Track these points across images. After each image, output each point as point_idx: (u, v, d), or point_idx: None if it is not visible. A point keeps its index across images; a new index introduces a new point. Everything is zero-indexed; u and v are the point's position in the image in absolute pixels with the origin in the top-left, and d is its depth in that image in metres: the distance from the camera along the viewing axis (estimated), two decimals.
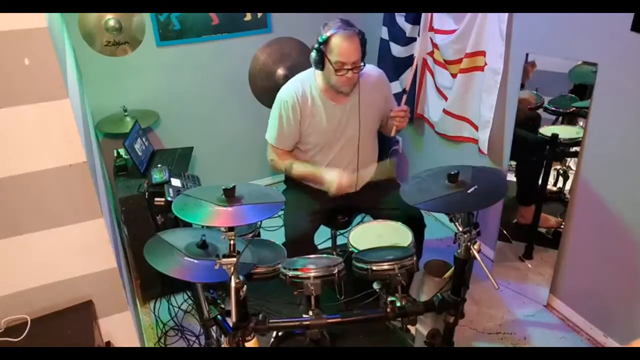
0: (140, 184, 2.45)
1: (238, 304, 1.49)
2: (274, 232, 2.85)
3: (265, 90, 2.89)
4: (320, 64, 2.05)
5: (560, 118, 2.30)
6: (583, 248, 2.29)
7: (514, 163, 2.53)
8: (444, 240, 2.97)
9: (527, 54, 2.29)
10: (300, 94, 2.16)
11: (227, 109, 3.45)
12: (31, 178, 1.48)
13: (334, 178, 2.13)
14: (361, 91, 2.16)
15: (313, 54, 2.05)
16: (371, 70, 2.25)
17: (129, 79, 3.09)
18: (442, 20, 2.72)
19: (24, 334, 1.52)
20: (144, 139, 2.80)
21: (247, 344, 1.58)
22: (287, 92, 2.18)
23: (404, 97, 2.29)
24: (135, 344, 1.90)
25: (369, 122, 2.26)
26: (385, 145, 2.50)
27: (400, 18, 3.02)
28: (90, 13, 2.61)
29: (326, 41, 2.00)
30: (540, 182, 2.40)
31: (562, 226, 2.36)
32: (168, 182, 2.00)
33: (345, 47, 1.98)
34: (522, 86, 2.35)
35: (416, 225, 2.15)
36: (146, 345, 2.32)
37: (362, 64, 2.06)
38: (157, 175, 2.03)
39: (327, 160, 2.26)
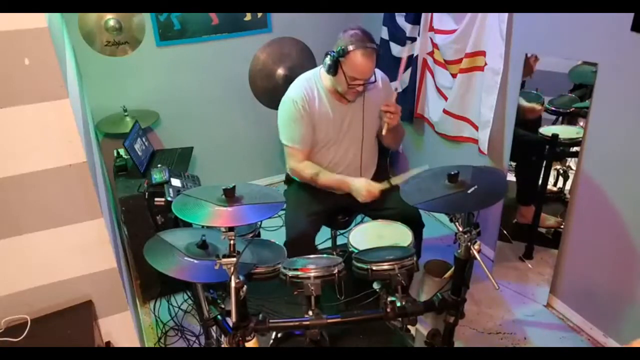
0: (140, 184, 2.45)
1: (238, 304, 1.48)
2: (274, 232, 2.85)
3: (265, 90, 2.89)
4: (334, 70, 2.05)
5: (560, 118, 2.30)
6: (583, 248, 2.29)
7: (514, 163, 2.53)
8: (444, 239, 2.97)
9: (526, 54, 2.29)
10: (307, 89, 2.17)
11: (227, 109, 3.45)
12: (31, 178, 1.48)
13: (362, 186, 2.12)
14: (366, 93, 2.17)
15: (328, 60, 2.04)
16: (378, 73, 2.25)
17: (129, 79, 3.09)
18: (442, 20, 2.72)
19: (24, 334, 1.52)
20: (144, 139, 2.80)
21: (247, 344, 1.58)
22: (295, 91, 2.18)
23: (394, 95, 2.27)
24: (135, 344, 1.90)
25: (372, 123, 2.27)
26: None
27: (400, 18, 3.02)
28: (90, 13, 2.61)
29: (345, 53, 1.99)
30: (540, 182, 2.41)
31: (562, 226, 2.36)
32: (168, 182, 2.01)
33: (364, 65, 2.00)
34: (523, 85, 2.35)
35: (414, 225, 2.15)
36: (146, 345, 2.32)
37: (374, 79, 2.08)
38: (157, 175, 2.03)
39: (329, 159, 2.26)
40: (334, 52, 2.02)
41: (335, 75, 2.06)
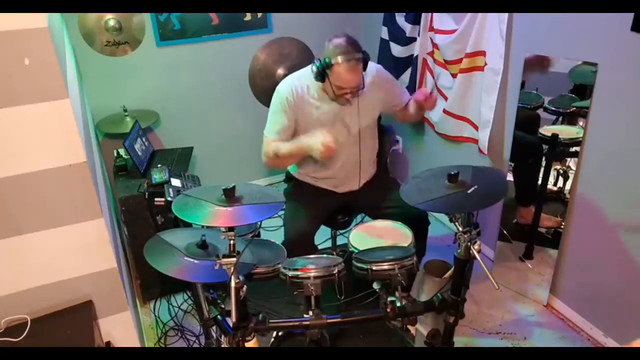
0: (140, 184, 2.45)
1: (238, 304, 1.49)
2: (274, 232, 2.85)
3: (265, 90, 2.89)
4: (321, 79, 2.05)
5: (560, 118, 2.30)
6: (583, 248, 2.29)
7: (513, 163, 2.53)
8: (444, 239, 2.97)
9: (526, 54, 2.29)
10: (297, 87, 2.16)
11: (227, 109, 3.45)
12: (31, 178, 1.48)
13: (318, 140, 2.00)
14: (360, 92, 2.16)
15: (314, 68, 2.04)
16: (369, 68, 2.24)
17: (129, 79, 3.09)
18: (442, 20, 2.72)
19: (24, 334, 1.52)
20: (144, 139, 2.80)
21: (247, 344, 1.58)
22: (284, 85, 2.19)
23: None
24: (135, 344, 1.90)
25: (368, 120, 2.26)
26: (385, 145, 2.49)
27: (400, 18, 3.02)
28: (90, 13, 2.61)
29: (330, 66, 2.00)
30: (539, 182, 2.40)
31: (562, 226, 2.36)
32: (168, 182, 2.01)
33: (348, 77, 2.01)
34: (523, 85, 2.35)
35: (420, 223, 2.15)
36: (146, 345, 2.32)
37: (362, 87, 2.09)
38: (157, 175, 2.03)
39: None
40: (319, 61, 2.02)
41: (323, 82, 2.06)
